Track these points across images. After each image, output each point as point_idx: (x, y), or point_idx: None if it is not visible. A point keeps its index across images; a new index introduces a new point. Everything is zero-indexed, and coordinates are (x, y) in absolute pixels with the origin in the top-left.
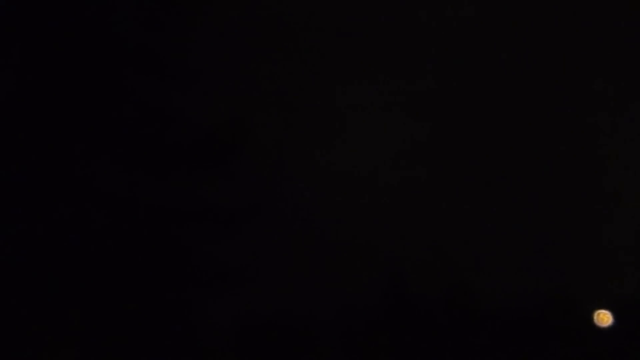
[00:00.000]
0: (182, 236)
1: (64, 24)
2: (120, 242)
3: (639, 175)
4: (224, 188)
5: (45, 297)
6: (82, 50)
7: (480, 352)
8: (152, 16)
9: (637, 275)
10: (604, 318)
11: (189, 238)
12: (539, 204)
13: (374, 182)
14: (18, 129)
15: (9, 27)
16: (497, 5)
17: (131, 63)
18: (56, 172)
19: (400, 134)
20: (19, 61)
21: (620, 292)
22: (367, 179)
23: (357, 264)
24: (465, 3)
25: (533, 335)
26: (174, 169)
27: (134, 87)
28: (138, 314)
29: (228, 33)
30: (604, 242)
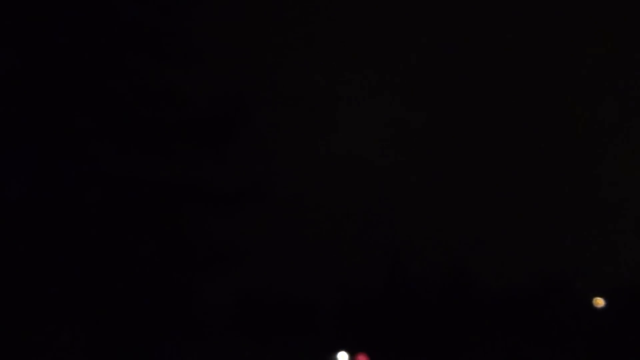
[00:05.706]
0: (181, 215)
1: (66, 4)
2: (120, 220)
3: (637, 169)
4: (222, 168)
5: (45, 273)
6: (83, 30)
7: (479, 333)
8: None
9: (633, 262)
10: (599, 301)
11: (188, 217)
12: (537, 190)
13: (372, 165)
14: (19, 109)
15: (11, 7)
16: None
17: (131, 43)
18: (56, 150)
19: (396, 118)
20: (21, 41)
21: (616, 276)
22: (365, 162)
23: (355, 244)
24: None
25: (530, 318)
26: (173, 148)
27: (134, 67)
28: (138, 293)
29: (228, 15)
30: (602, 227)
